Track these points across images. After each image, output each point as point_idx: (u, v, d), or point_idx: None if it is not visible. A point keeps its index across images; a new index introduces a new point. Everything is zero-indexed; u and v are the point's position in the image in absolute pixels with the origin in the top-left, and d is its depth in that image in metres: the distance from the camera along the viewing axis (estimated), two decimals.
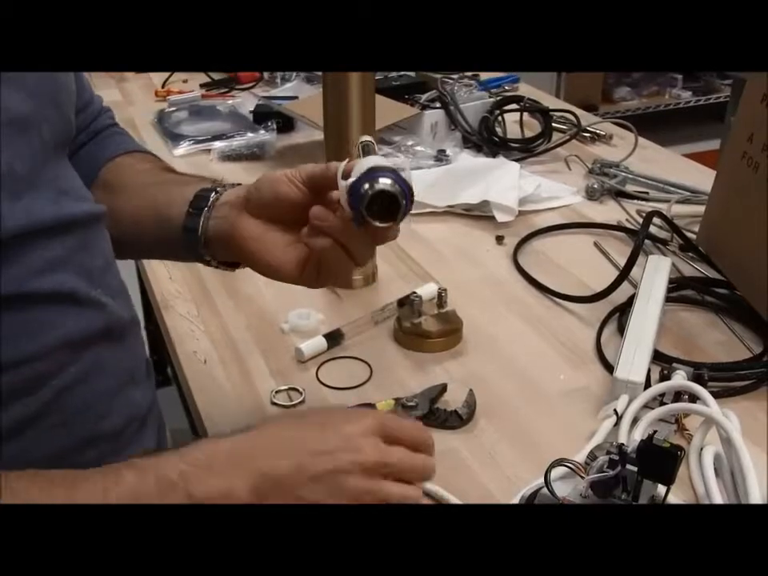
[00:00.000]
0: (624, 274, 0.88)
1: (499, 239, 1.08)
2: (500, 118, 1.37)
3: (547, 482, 0.57)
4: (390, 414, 0.67)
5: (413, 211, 1.13)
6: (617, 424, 0.71)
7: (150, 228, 0.71)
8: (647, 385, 0.73)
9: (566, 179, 1.26)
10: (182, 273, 1.00)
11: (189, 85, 1.72)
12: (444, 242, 1.08)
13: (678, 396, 0.72)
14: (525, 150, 1.33)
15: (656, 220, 1.00)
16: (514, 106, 1.41)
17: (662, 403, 0.72)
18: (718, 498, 0.62)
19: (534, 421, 0.74)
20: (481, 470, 0.68)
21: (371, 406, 0.74)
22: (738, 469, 0.62)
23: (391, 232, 0.60)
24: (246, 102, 1.61)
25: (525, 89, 1.67)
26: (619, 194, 1.20)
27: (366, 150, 0.59)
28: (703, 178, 1.18)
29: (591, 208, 1.17)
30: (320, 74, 1.33)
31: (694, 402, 0.70)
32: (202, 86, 1.71)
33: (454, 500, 0.64)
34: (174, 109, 1.56)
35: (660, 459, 0.55)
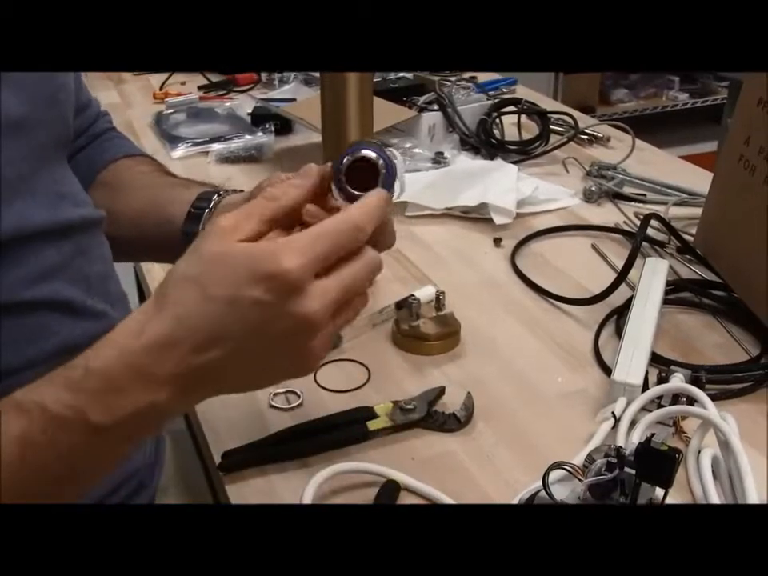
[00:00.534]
0: (622, 276, 0.88)
1: (497, 241, 1.08)
2: (498, 120, 1.37)
3: (545, 485, 0.57)
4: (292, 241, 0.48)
5: (410, 213, 1.15)
6: (614, 427, 0.71)
7: (150, 228, 0.71)
8: (645, 387, 0.73)
9: (564, 181, 1.26)
10: None
11: (187, 87, 1.72)
12: (442, 245, 1.08)
13: (675, 399, 0.72)
14: (522, 153, 1.33)
15: (653, 222, 1.00)
16: (511, 108, 1.41)
17: (660, 406, 0.72)
18: (716, 501, 0.62)
19: (531, 423, 0.74)
20: (479, 473, 0.68)
21: (369, 409, 0.74)
22: (736, 471, 0.62)
23: (388, 235, 0.59)
24: (243, 104, 1.61)
25: (522, 91, 1.67)
26: (617, 197, 1.20)
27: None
28: (700, 180, 1.18)
29: (589, 210, 1.17)
30: (318, 76, 1.33)
31: (692, 404, 0.70)
32: (200, 88, 1.71)
33: (451, 503, 0.64)
34: (172, 111, 1.55)
35: (658, 462, 0.55)
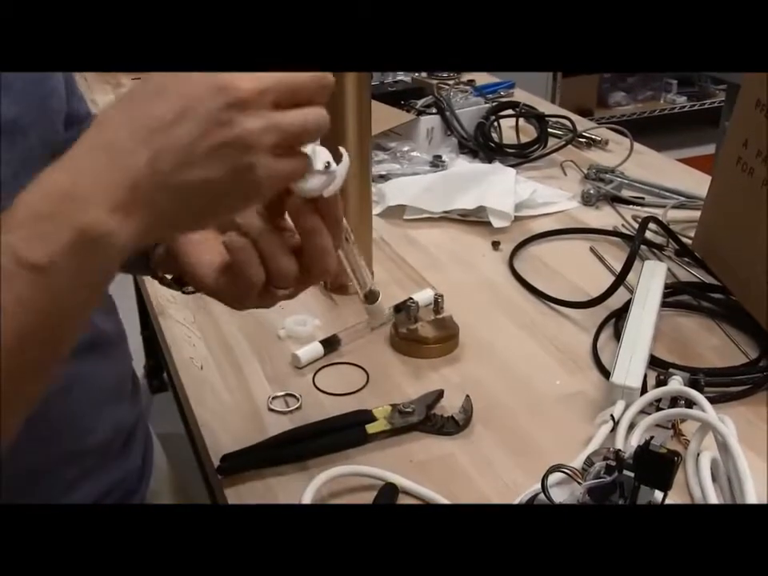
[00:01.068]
0: (620, 279, 0.89)
1: (495, 245, 1.08)
2: (496, 123, 1.38)
3: (544, 488, 0.57)
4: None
5: (408, 217, 1.15)
6: (613, 429, 0.71)
7: None
8: (644, 390, 0.73)
9: (562, 185, 1.26)
10: None
11: None
12: (440, 248, 1.08)
13: (674, 401, 0.72)
14: (521, 156, 1.33)
15: (652, 225, 1.00)
16: (509, 111, 1.41)
17: (659, 409, 0.72)
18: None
19: (530, 426, 0.74)
20: (478, 476, 0.68)
21: (368, 412, 0.74)
22: (735, 474, 0.62)
23: (339, 228, 0.54)
24: None
25: (520, 94, 1.67)
26: (615, 200, 1.20)
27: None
28: (698, 183, 1.18)
29: (587, 213, 1.17)
30: None
31: (691, 407, 0.70)
32: None
33: (449, 503, 0.64)
34: None
35: (657, 465, 0.55)
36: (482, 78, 1.70)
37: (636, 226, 1.09)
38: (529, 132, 1.40)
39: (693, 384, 0.73)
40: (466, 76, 1.72)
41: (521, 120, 1.41)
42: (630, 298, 0.87)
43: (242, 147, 0.43)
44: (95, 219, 0.40)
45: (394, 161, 1.29)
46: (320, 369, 0.83)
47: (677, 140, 3.42)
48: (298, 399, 0.78)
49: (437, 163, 1.28)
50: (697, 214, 1.02)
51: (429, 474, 0.68)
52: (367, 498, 0.65)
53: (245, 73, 0.43)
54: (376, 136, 1.19)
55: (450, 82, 1.58)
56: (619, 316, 0.88)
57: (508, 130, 1.40)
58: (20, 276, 0.40)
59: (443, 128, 1.38)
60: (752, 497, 0.60)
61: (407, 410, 0.74)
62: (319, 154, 0.49)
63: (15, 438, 0.45)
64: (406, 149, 1.31)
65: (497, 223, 1.11)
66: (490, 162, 1.31)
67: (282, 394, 0.79)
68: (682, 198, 1.18)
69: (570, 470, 0.59)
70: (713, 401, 0.71)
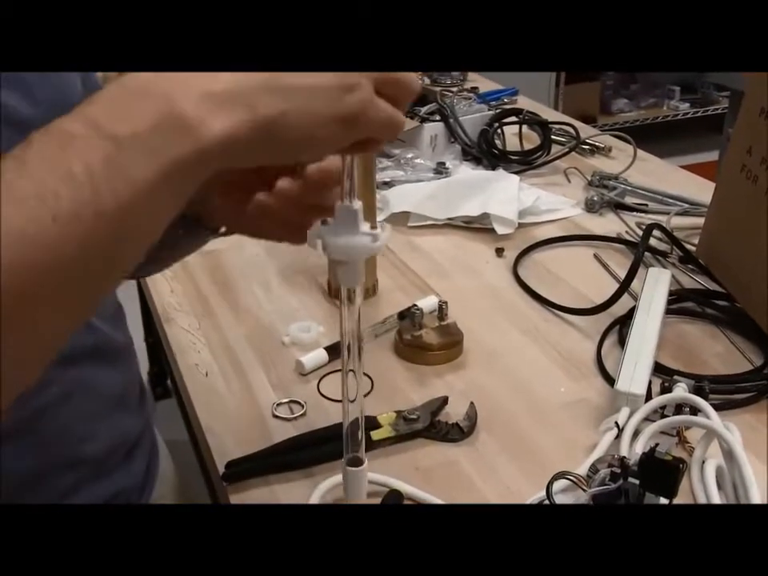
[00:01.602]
0: (624, 286, 0.89)
1: (499, 251, 1.08)
2: (499, 130, 1.38)
3: (549, 495, 0.57)
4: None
5: (412, 224, 1.15)
6: (618, 436, 0.71)
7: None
8: (648, 397, 0.73)
9: (566, 191, 1.26)
10: (183, 286, 1.00)
11: None
12: (444, 255, 1.09)
13: (679, 408, 0.72)
14: (524, 163, 1.34)
15: (655, 232, 1.00)
16: (513, 118, 1.41)
17: (663, 416, 0.72)
18: None
19: (535, 433, 0.74)
20: (482, 483, 0.68)
21: (372, 419, 0.74)
22: (740, 481, 0.62)
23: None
24: None
25: (523, 102, 1.67)
26: (618, 207, 1.20)
27: None
28: (702, 190, 1.18)
29: (591, 220, 1.17)
30: None
31: (695, 414, 0.70)
32: None
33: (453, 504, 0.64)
34: None
35: (662, 472, 0.55)
36: (486, 85, 1.71)
37: (639, 232, 1.09)
38: (532, 139, 1.40)
39: (697, 391, 0.73)
40: (470, 83, 1.72)
41: (524, 127, 1.41)
42: (634, 305, 0.88)
43: (349, 83, 0.42)
44: (186, 107, 0.38)
45: (398, 168, 1.29)
46: (324, 375, 0.83)
47: (680, 147, 3.42)
48: (302, 406, 0.78)
49: (440, 170, 1.28)
50: (700, 221, 1.02)
51: (433, 480, 0.68)
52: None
53: None
54: None
55: (454, 89, 1.59)
56: (623, 323, 0.88)
57: (511, 137, 1.40)
58: (95, 146, 0.36)
59: (447, 135, 1.38)
60: (757, 503, 0.60)
61: (412, 416, 0.74)
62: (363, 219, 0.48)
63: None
64: (409, 156, 1.31)
65: (500, 230, 1.12)
66: (493, 169, 1.31)
67: (287, 400, 0.79)
68: (686, 205, 1.18)
69: (575, 477, 0.59)
70: (717, 408, 0.71)
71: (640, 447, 0.67)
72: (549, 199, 1.21)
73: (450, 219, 1.16)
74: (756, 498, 0.60)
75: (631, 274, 0.89)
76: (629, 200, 1.21)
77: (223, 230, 0.61)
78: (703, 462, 0.66)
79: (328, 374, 0.83)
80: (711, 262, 0.97)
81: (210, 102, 0.38)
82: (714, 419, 0.67)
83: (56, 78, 0.59)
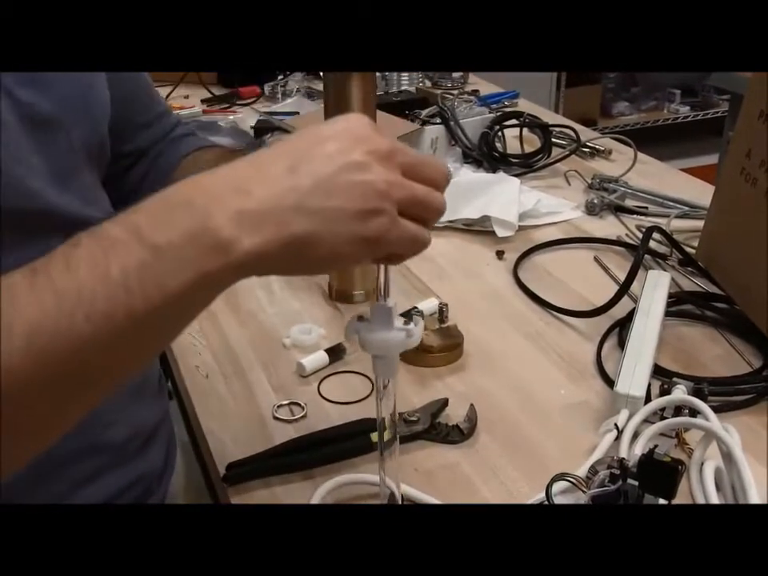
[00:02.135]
0: (624, 288, 0.89)
1: (499, 254, 1.08)
2: (500, 133, 1.38)
3: (549, 496, 0.58)
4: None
5: None
6: (617, 438, 0.71)
7: None
8: (647, 399, 0.73)
9: (566, 194, 1.26)
10: None
11: (190, 100, 1.73)
12: (445, 257, 1.09)
13: (678, 410, 0.72)
14: (525, 166, 1.34)
15: (655, 235, 1.00)
16: (513, 121, 1.41)
17: (663, 418, 0.72)
18: None
19: (535, 435, 0.74)
20: (482, 485, 0.69)
21: (373, 420, 0.74)
22: (739, 483, 0.62)
23: None
24: (247, 117, 1.62)
25: (524, 104, 1.68)
26: (619, 209, 1.20)
27: None
28: (702, 193, 1.18)
29: (591, 223, 1.17)
30: (321, 89, 1.33)
31: (695, 416, 0.70)
32: (203, 101, 1.72)
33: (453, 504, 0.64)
34: None
35: (661, 473, 0.55)
36: (486, 88, 1.71)
37: (639, 235, 1.09)
38: (533, 142, 1.40)
39: (696, 393, 0.73)
40: (470, 86, 1.73)
41: (525, 130, 1.42)
42: (634, 308, 0.88)
43: (375, 191, 0.45)
44: (221, 223, 0.41)
45: None
46: (325, 377, 0.83)
47: (680, 150, 3.42)
48: (303, 408, 0.78)
49: None
50: (700, 223, 1.03)
51: (433, 482, 0.69)
52: None
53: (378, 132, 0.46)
54: None
55: (455, 92, 1.59)
56: (623, 325, 0.89)
57: (512, 139, 1.41)
58: (134, 251, 0.40)
59: (447, 138, 1.38)
60: None
61: (412, 418, 0.74)
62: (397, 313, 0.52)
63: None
64: None
65: (501, 233, 1.12)
66: (494, 172, 1.31)
67: (287, 402, 0.79)
68: (686, 208, 1.18)
69: (575, 479, 0.59)
70: (716, 410, 0.71)
71: (639, 449, 0.67)
72: (549, 202, 1.21)
73: (450, 222, 1.16)
74: (755, 499, 0.60)
75: (631, 276, 0.89)
76: (629, 203, 1.21)
77: None
78: (702, 464, 0.67)
79: (328, 375, 0.83)
80: (711, 265, 0.97)
81: (243, 220, 0.42)
82: (713, 421, 0.67)
83: (75, 75, 0.60)
